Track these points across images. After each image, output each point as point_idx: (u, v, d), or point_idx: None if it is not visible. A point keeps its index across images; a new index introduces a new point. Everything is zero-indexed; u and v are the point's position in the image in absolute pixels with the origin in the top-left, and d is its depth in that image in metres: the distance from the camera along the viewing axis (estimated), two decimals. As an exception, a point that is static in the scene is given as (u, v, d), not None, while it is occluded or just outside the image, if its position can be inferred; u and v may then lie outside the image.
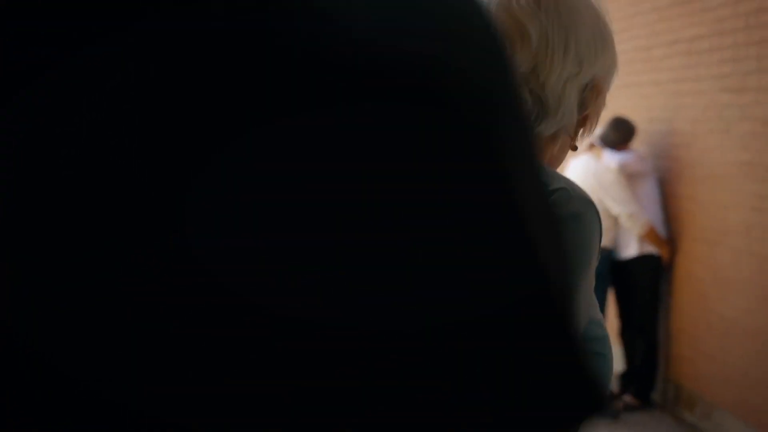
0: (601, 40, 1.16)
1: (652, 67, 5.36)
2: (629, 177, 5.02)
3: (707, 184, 4.68)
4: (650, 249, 5.04)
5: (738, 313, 4.42)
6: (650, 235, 4.96)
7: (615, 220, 5.07)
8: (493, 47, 0.41)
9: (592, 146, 5.15)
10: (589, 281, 1.08)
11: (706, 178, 4.69)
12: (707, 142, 4.70)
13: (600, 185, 4.99)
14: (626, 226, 5.03)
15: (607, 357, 1.13)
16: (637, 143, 5.15)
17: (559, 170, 1.18)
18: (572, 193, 1.08)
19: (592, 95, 1.16)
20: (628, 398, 5.17)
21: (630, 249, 5.10)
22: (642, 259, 5.06)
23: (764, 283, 4.20)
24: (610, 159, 4.96)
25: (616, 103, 5.94)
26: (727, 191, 4.50)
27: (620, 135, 5.04)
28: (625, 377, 5.25)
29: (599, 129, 5.35)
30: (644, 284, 5.09)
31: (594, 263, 1.10)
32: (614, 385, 5.40)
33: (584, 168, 5.12)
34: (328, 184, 0.35)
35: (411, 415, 0.37)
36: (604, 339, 1.14)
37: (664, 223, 5.14)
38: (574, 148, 1.20)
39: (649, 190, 5.07)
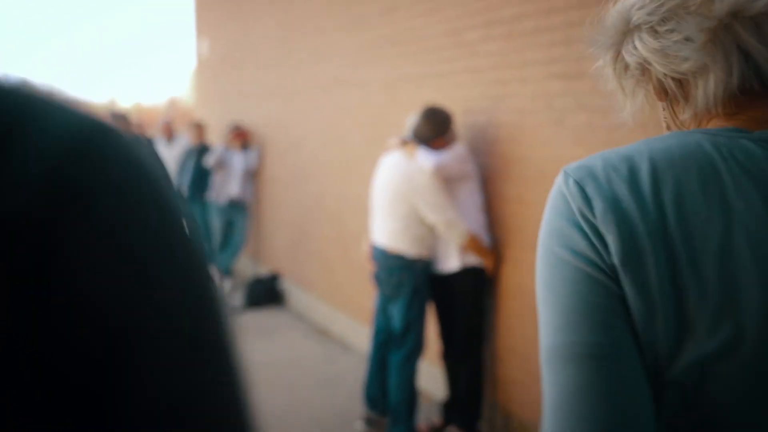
0: None
1: (467, 53, 4.71)
2: (447, 179, 4.34)
3: (538, 183, 4.09)
4: (473, 260, 4.39)
5: (577, 331, 3.85)
6: (472, 244, 4.31)
7: (431, 229, 4.37)
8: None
9: (404, 142, 4.40)
10: None
11: (537, 177, 4.10)
12: (537, 136, 4.10)
13: (413, 189, 4.25)
14: (444, 236, 4.34)
15: None
16: (458, 138, 4.48)
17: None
18: None
19: None
20: (452, 430, 4.50)
21: (450, 261, 4.41)
22: (464, 273, 4.39)
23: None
24: (425, 159, 4.25)
25: (425, 95, 5.26)
26: (562, 192, 3.92)
27: (434, 128, 4.33)
28: (449, 406, 4.58)
29: (411, 121, 4.64)
30: (467, 300, 4.43)
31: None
32: (437, 416, 4.71)
33: (394, 168, 4.36)
34: None
35: None
36: None
37: (489, 229, 4.52)
38: None
39: (470, 192, 4.42)
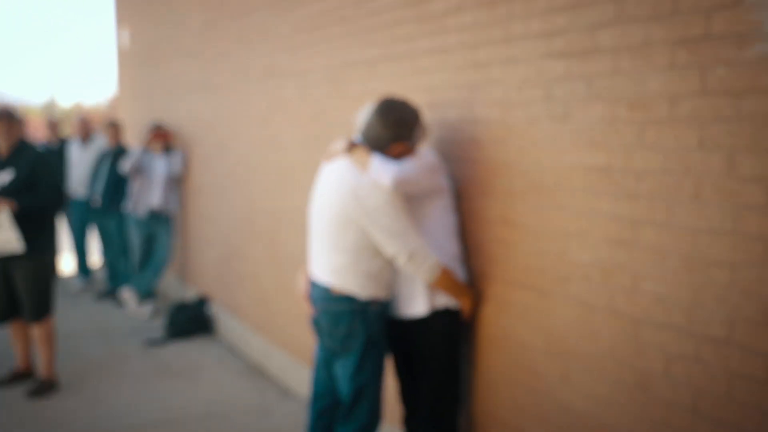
0: None
1: (434, 28, 3.64)
2: (411, 197, 3.27)
3: (530, 200, 3.04)
4: (445, 301, 3.31)
5: (588, 403, 2.81)
6: (443, 281, 3.23)
7: (389, 262, 3.29)
8: None
9: (352, 147, 3.30)
10: None
11: (529, 191, 3.04)
12: (529, 137, 3.05)
13: (364, 211, 3.15)
14: (407, 272, 3.26)
15: None
16: (424, 141, 3.40)
17: None
18: None
19: None
20: None
21: (415, 304, 3.33)
22: (433, 318, 3.31)
23: (632, 359, 2.62)
24: (381, 169, 3.16)
25: (379, 84, 4.16)
26: (568, 212, 2.88)
27: (393, 128, 3.23)
28: (414, 487, 3.49)
29: (362, 119, 3.55)
30: (437, 353, 3.35)
31: None
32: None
33: (339, 182, 3.26)
34: None
35: None
36: None
37: (465, 261, 3.45)
38: None
39: (441, 213, 3.34)
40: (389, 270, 3.31)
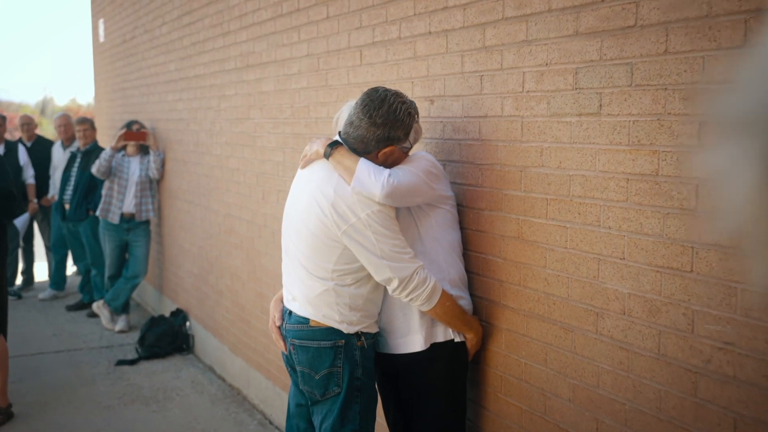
0: None
1: (431, 5, 3.05)
2: (406, 209, 2.70)
3: (554, 213, 2.46)
4: (445, 333, 2.73)
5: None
6: (444, 310, 2.65)
7: (378, 288, 2.72)
8: None
9: (332, 149, 2.70)
10: None
11: (553, 202, 2.46)
12: (552, 135, 2.46)
13: (346, 227, 2.57)
14: (401, 299, 2.67)
15: None
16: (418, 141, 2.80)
17: None
18: None
19: None
20: None
21: (411, 337, 2.75)
22: (433, 354, 2.73)
23: (689, 420, 2.05)
24: (368, 177, 2.57)
25: (368, 75, 3.58)
26: (601, 229, 2.29)
27: (384, 127, 2.64)
28: None
29: (344, 115, 2.96)
30: (437, 395, 2.77)
31: None
32: None
33: (316, 192, 2.67)
34: None
35: None
36: None
37: (471, 286, 2.86)
38: None
39: (442, 228, 2.75)
40: (377, 297, 2.73)
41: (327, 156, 2.65)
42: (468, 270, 2.88)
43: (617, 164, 2.22)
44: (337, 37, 3.80)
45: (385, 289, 2.73)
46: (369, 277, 2.66)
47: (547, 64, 2.46)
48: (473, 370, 2.89)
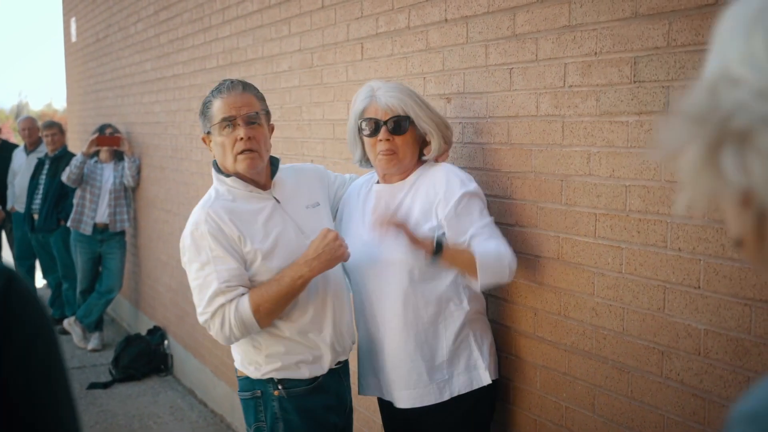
0: None
1: (446, -9, 2.65)
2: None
3: (606, 230, 2.06)
4: (466, 381, 2.32)
5: None
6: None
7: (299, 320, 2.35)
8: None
9: (441, 248, 2.29)
10: None
11: (605, 217, 2.06)
12: (604, 138, 2.07)
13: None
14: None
15: None
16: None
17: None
18: None
19: None
20: None
21: (423, 390, 2.33)
22: (451, 403, 2.31)
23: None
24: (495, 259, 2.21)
25: (369, 71, 3.18)
26: (670, 253, 1.90)
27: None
28: None
29: (357, 107, 2.53)
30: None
31: None
32: None
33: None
34: None
35: None
36: None
37: (493, 318, 2.45)
38: None
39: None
40: (290, 330, 2.29)
41: (435, 259, 2.20)
42: (493, 295, 2.47)
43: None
44: (334, 29, 3.38)
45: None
46: None
47: (596, 54, 2.07)
48: (501, 410, 2.48)
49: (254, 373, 2.31)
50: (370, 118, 2.29)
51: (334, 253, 2.18)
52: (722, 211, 0.70)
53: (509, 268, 2.19)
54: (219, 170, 2.33)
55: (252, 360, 2.31)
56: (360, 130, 2.34)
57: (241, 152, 2.24)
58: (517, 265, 2.23)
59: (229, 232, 2.21)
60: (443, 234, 2.20)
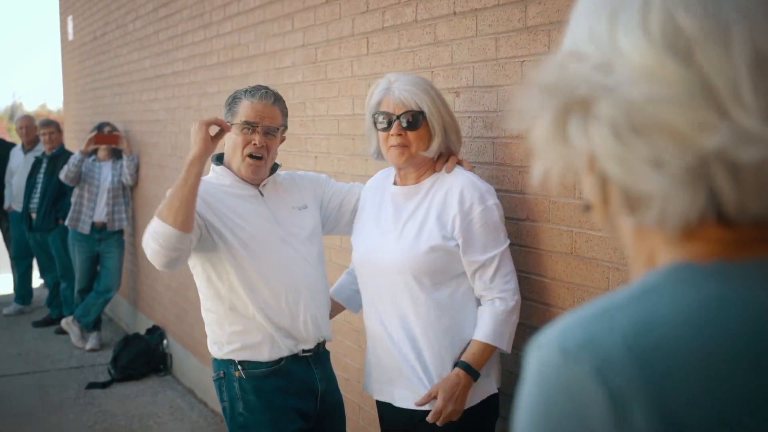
0: None
1: (455, -17, 2.62)
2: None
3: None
4: (483, 389, 2.28)
5: None
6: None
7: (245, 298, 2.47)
8: None
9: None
10: None
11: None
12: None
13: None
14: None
15: None
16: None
17: None
18: None
19: None
20: None
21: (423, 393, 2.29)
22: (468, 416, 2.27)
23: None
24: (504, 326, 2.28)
25: (375, 65, 3.14)
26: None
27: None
28: None
29: (377, 96, 2.48)
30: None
31: None
32: None
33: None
34: None
35: None
36: None
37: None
38: None
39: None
40: (255, 304, 2.41)
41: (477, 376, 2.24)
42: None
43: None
44: (339, 23, 3.35)
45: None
46: (226, 270, 2.39)
47: (611, 45, 2.04)
48: (507, 408, 2.45)
49: (218, 353, 2.47)
50: (384, 112, 2.26)
51: (197, 134, 2.31)
52: (579, 180, 0.75)
53: (515, 317, 2.24)
54: (215, 161, 2.51)
55: (216, 339, 2.46)
56: (375, 123, 2.30)
57: (250, 156, 2.40)
58: (520, 303, 2.24)
59: (202, 198, 2.35)
60: (458, 364, 2.21)
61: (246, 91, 2.46)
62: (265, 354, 2.42)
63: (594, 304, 0.70)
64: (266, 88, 2.48)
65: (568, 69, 0.71)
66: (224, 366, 2.46)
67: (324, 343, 2.56)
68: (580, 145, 0.70)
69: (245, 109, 2.41)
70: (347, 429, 3.50)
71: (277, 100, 2.48)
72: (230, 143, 2.45)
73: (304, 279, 2.45)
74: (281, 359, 2.43)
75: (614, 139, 0.68)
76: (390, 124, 2.24)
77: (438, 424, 2.18)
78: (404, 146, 2.24)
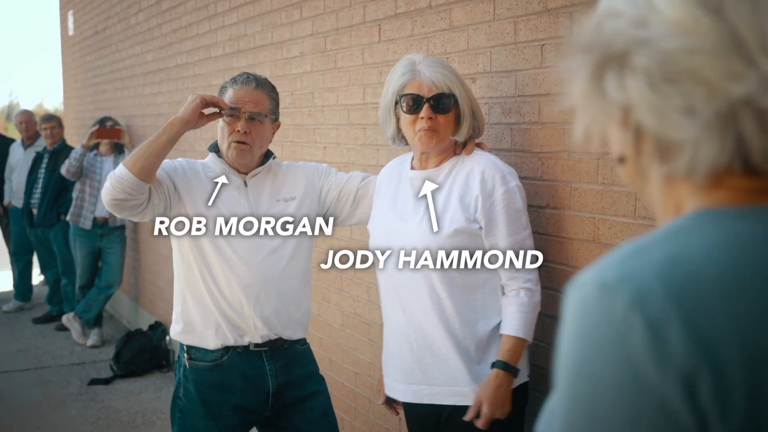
0: None
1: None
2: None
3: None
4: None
5: None
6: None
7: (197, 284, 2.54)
8: None
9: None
10: None
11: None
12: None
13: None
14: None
15: None
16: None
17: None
18: None
19: None
20: None
21: (456, 390, 2.23)
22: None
23: None
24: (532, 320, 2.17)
25: (386, 54, 3.09)
26: None
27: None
28: None
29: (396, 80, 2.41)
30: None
31: None
32: None
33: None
34: None
35: None
36: None
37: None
38: None
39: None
40: (200, 293, 2.45)
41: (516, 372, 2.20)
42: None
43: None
44: (349, 11, 3.30)
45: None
46: (187, 250, 2.45)
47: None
48: (535, 401, 2.39)
49: (172, 333, 2.53)
50: (412, 94, 2.18)
51: (191, 102, 2.38)
52: (609, 136, 0.78)
53: (539, 307, 2.20)
54: (211, 149, 2.53)
55: (174, 318, 2.52)
56: (400, 106, 2.22)
57: (235, 141, 2.42)
58: (540, 296, 2.20)
59: (184, 171, 2.47)
60: (495, 364, 2.16)
61: (231, 79, 2.49)
62: (209, 341, 2.44)
63: (625, 246, 0.74)
64: (249, 73, 2.49)
65: (604, 27, 0.75)
66: (180, 349, 2.53)
67: (287, 339, 2.50)
68: (617, 98, 0.75)
69: (229, 97, 2.43)
70: (358, 423, 3.45)
71: (260, 84, 2.46)
72: (219, 132, 2.48)
73: (265, 271, 2.43)
74: (227, 351, 2.44)
75: (649, 89, 0.72)
76: (419, 106, 2.17)
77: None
78: (434, 130, 2.17)
